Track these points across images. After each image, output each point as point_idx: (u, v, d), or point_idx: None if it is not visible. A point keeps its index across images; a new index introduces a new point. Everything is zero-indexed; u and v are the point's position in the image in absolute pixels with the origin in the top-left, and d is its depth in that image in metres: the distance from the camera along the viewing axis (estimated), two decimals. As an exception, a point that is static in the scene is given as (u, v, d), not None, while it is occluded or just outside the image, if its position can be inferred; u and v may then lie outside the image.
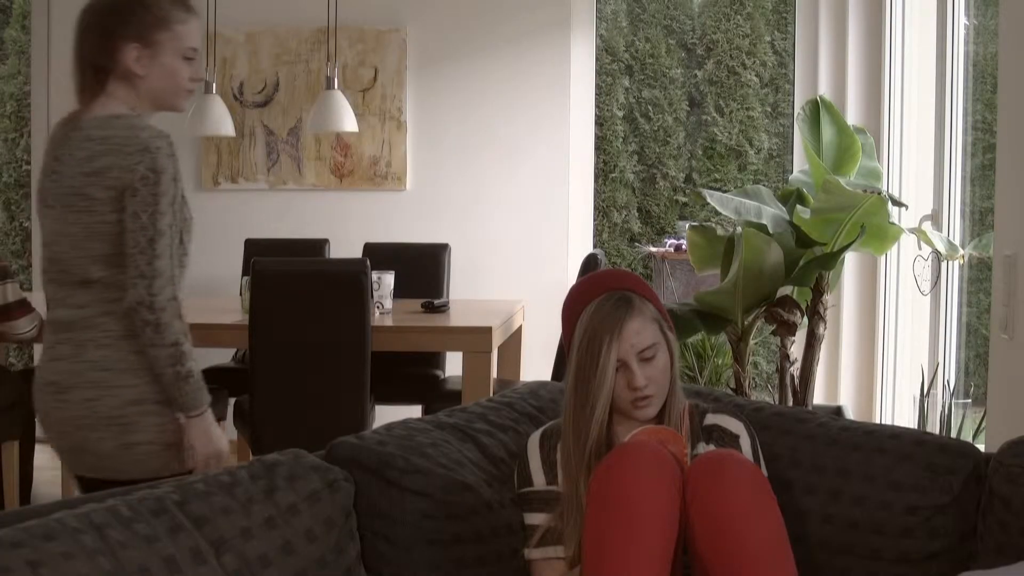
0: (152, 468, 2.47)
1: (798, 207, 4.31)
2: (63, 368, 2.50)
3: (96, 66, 2.51)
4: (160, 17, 2.50)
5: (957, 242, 4.28)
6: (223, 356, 5.55)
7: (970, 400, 4.45)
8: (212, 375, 5.23)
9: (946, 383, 4.30)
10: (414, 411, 5.06)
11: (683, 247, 6.40)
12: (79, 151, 2.46)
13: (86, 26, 2.52)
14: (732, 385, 4.47)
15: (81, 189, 2.44)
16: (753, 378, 5.10)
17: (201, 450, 2.50)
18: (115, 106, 2.50)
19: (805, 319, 4.30)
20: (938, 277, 4.40)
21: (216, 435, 2.51)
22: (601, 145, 7.41)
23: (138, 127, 2.46)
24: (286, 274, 4.30)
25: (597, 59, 6.65)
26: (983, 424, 3.78)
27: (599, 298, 2.14)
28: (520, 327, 5.21)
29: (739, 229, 4.07)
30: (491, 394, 4.06)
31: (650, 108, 7.61)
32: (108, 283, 2.46)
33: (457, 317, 4.65)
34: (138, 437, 2.47)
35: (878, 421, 5.05)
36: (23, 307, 4.35)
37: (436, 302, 4.81)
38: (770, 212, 4.18)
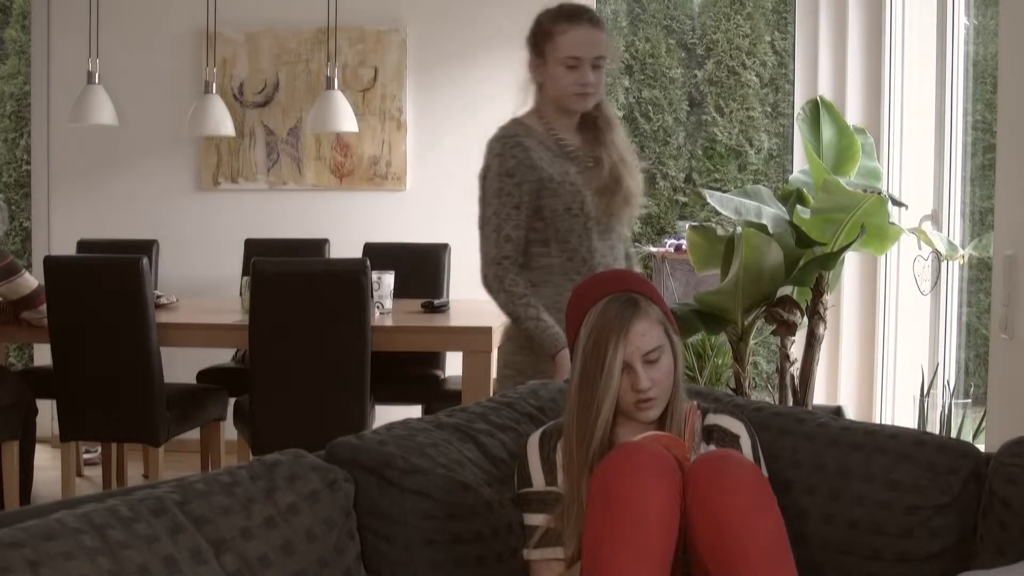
0: None
1: (798, 207, 4.31)
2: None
3: (531, 79, 2.99)
4: (544, 30, 2.91)
5: (957, 242, 4.28)
6: (223, 356, 5.55)
7: (970, 400, 4.45)
8: (212, 375, 5.29)
9: (946, 383, 4.29)
10: (414, 411, 5.06)
11: (683, 247, 6.39)
12: None
13: None
14: (732, 385, 4.47)
15: None
16: (753, 378, 5.10)
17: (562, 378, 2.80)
18: (528, 111, 2.98)
19: (805, 319, 4.29)
20: (938, 277, 4.40)
21: None
22: (601, 145, 7.39)
23: (499, 129, 2.96)
24: (286, 274, 4.30)
25: (597, 59, 6.64)
26: (983, 424, 3.78)
27: (605, 299, 2.12)
28: (520, 327, 5.20)
29: (739, 229, 4.07)
30: (491, 394, 4.06)
31: (650, 108, 7.60)
32: None
33: (457, 317, 4.65)
34: (528, 375, 2.93)
35: (878, 421, 5.05)
36: (44, 293, 4.39)
37: (436, 302, 4.81)
38: (770, 212, 4.18)
